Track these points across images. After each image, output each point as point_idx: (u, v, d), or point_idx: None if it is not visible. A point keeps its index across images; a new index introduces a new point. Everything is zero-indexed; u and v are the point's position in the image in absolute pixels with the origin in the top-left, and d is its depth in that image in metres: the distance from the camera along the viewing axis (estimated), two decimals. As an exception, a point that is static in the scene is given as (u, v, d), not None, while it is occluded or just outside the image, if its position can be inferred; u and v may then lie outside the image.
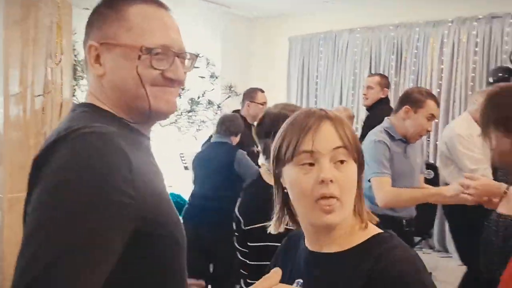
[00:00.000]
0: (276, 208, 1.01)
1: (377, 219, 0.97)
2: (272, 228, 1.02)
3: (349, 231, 0.94)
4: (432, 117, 2.32)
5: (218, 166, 3.11)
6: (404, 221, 2.47)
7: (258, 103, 3.68)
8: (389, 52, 5.59)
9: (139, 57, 0.89)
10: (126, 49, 0.89)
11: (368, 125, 3.26)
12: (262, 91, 3.73)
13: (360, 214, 0.95)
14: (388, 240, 0.91)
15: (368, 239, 0.92)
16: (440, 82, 5.20)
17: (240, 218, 1.49)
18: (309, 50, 6.29)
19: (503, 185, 1.85)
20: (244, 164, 3.08)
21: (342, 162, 0.90)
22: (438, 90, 5.16)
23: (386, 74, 5.38)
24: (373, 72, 5.56)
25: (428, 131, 2.37)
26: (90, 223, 0.72)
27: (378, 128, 2.43)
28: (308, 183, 0.89)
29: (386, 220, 1.23)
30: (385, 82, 3.80)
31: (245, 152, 3.18)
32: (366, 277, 0.85)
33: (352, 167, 0.92)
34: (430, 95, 2.37)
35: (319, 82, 6.25)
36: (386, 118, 2.47)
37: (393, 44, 5.56)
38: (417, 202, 2.37)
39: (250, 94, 3.72)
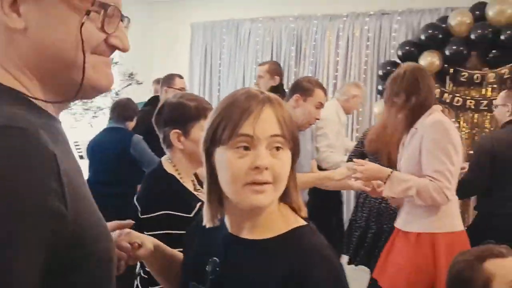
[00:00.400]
0: (206, 194, 0.96)
1: (306, 211, 0.96)
2: (205, 220, 0.96)
3: (273, 218, 0.93)
4: (320, 105, 2.38)
5: (113, 151, 3.12)
6: None
7: (176, 89, 3.62)
8: (289, 43, 5.72)
9: (88, 12, 0.68)
10: None
11: None
12: (181, 77, 3.67)
13: (293, 202, 0.95)
14: (308, 235, 0.91)
15: (290, 230, 0.92)
16: (336, 73, 5.42)
17: (138, 206, 1.47)
18: (211, 38, 6.25)
19: (387, 170, 2.01)
20: (140, 149, 3.12)
21: (278, 149, 0.89)
22: (334, 81, 5.37)
23: (287, 65, 5.61)
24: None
25: (317, 119, 2.42)
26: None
27: None
28: (241, 168, 0.87)
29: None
30: (274, 70, 3.61)
31: (141, 137, 3.20)
32: (281, 277, 0.85)
33: (287, 154, 0.91)
34: (318, 84, 2.45)
35: (222, 71, 6.24)
36: None
37: (293, 35, 5.71)
38: (307, 186, 2.43)
39: (168, 80, 3.66)
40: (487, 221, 2.55)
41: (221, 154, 0.89)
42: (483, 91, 4.64)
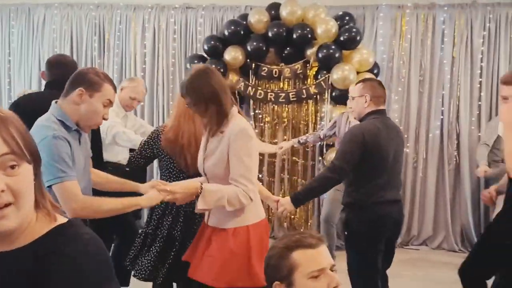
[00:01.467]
0: None
1: (61, 215, 0.96)
2: None
3: (29, 228, 0.91)
4: (109, 103, 2.02)
5: None
6: None
7: None
8: (91, 32, 5.43)
9: None
10: None
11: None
12: None
13: (45, 208, 0.94)
14: (65, 232, 0.92)
15: (47, 232, 0.91)
16: (144, 66, 5.32)
17: None
18: (-3, 23, 5.56)
19: (196, 184, 2.01)
20: None
21: (13, 167, 0.85)
22: (142, 74, 5.30)
23: (90, 56, 5.31)
24: (74, 52, 5.35)
25: (105, 119, 2.04)
26: None
27: (47, 117, 1.94)
28: None
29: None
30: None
31: None
32: (26, 279, 0.85)
33: (25, 169, 0.88)
34: (107, 78, 2.04)
35: (12, 61, 5.62)
36: (53, 102, 2.00)
37: (95, 24, 5.42)
38: (116, 213, 1.99)
39: None
40: (357, 210, 2.54)
41: None
42: (281, 84, 5.05)
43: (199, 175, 2.24)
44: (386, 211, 2.54)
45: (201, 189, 1.97)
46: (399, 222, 2.70)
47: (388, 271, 2.77)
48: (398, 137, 2.65)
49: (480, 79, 4.81)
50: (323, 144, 4.64)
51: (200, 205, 1.97)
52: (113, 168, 3.03)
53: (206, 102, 1.97)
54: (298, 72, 4.90)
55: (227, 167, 1.99)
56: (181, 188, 2.00)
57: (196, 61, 4.73)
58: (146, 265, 2.49)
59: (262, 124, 5.11)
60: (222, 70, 4.54)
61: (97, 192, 2.12)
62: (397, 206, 2.62)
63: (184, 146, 2.41)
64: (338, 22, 4.60)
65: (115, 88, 2.06)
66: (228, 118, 2.01)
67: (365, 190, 2.53)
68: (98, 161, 2.66)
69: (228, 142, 1.97)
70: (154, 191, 2.04)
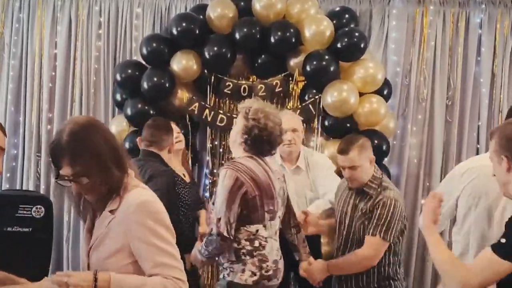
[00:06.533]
0: None
1: None
2: None
3: None
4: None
5: None
6: None
7: None
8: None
9: None
10: None
11: None
12: None
13: None
14: None
15: None
16: (53, 73, 4.98)
17: None
18: None
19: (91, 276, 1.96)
20: None
21: None
22: (51, 84, 5.00)
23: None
24: None
25: None
26: None
27: None
28: None
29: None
30: None
31: None
32: None
33: None
34: None
35: None
36: None
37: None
38: None
39: None
40: None
41: None
42: None
43: None
44: None
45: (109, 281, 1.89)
46: None
47: None
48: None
49: (530, 105, 4.38)
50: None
51: None
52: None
53: (88, 168, 1.91)
54: (277, 90, 4.59)
55: (128, 261, 1.95)
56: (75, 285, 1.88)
57: (130, 70, 4.43)
58: None
59: (223, 162, 4.79)
60: (167, 85, 4.33)
61: None
62: None
63: None
64: (335, 22, 4.37)
65: (4, 131, 2.08)
66: (121, 190, 1.96)
67: None
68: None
69: (124, 226, 1.93)
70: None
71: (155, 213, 1.97)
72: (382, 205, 2.80)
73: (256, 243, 2.69)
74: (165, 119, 3.64)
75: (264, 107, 2.80)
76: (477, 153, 4.71)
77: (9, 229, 4.16)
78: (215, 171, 4.75)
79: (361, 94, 4.25)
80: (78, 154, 1.91)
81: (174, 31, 4.35)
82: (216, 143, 4.91)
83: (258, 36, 4.30)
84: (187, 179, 3.69)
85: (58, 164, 1.94)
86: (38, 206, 4.25)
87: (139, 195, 1.98)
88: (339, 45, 4.23)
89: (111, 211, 1.96)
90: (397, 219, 2.80)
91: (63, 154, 1.93)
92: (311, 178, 3.62)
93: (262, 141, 2.72)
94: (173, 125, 3.59)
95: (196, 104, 4.46)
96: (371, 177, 2.88)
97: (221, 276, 2.86)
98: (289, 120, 3.53)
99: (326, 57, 4.21)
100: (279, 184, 2.81)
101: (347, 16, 4.49)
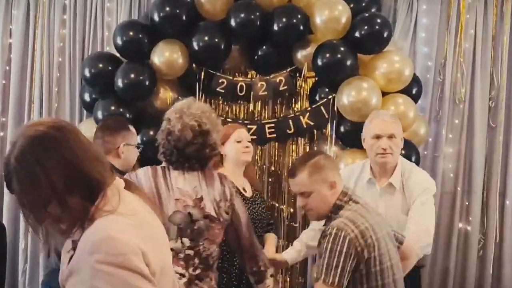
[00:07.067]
0: None
1: None
2: None
3: None
4: None
5: None
6: None
7: None
8: None
9: None
10: None
11: None
12: None
13: None
14: None
15: None
16: (7, 67, 4.77)
17: None
18: None
19: None
20: None
21: None
22: (5, 81, 4.79)
23: None
24: None
25: None
26: None
27: None
28: None
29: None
30: None
31: None
32: None
33: None
34: None
35: None
36: None
37: None
38: None
39: None
40: None
41: None
42: (251, 108, 4.68)
43: None
44: None
45: None
46: None
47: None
48: None
49: None
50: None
51: None
52: None
53: (37, 203, 1.69)
54: (281, 88, 4.30)
55: None
56: None
57: (101, 65, 4.17)
58: None
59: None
60: (147, 82, 4.11)
61: None
62: None
63: None
64: (352, 6, 4.13)
65: None
66: (85, 222, 1.74)
67: None
68: None
69: (81, 269, 1.68)
70: None
71: (113, 255, 1.64)
72: (323, 238, 2.31)
73: None
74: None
75: (192, 106, 2.58)
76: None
77: None
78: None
79: (384, 94, 3.99)
80: (24, 185, 1.70)
81: (156, 17, 4.07)
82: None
83: (258, 23, 4.02)
84: (248, 194, 3.26)
85: (11, 189, 1.77)
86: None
87: (103, 228, 1.68)
88: (357, 34, 3.97)
89: (74, 241, 1.76)
90: (342, 255, 2.26)
91: (12, 179, 1.73)
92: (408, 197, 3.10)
93: (171, 148, 2.53)
94: (243, 131, 3.30)
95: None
96: (331, 207, 2.37)
97: None
98: (385, 123, 3.15)
99: (342, 48, 3.94)
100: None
101: (367, -1, 4.23)
